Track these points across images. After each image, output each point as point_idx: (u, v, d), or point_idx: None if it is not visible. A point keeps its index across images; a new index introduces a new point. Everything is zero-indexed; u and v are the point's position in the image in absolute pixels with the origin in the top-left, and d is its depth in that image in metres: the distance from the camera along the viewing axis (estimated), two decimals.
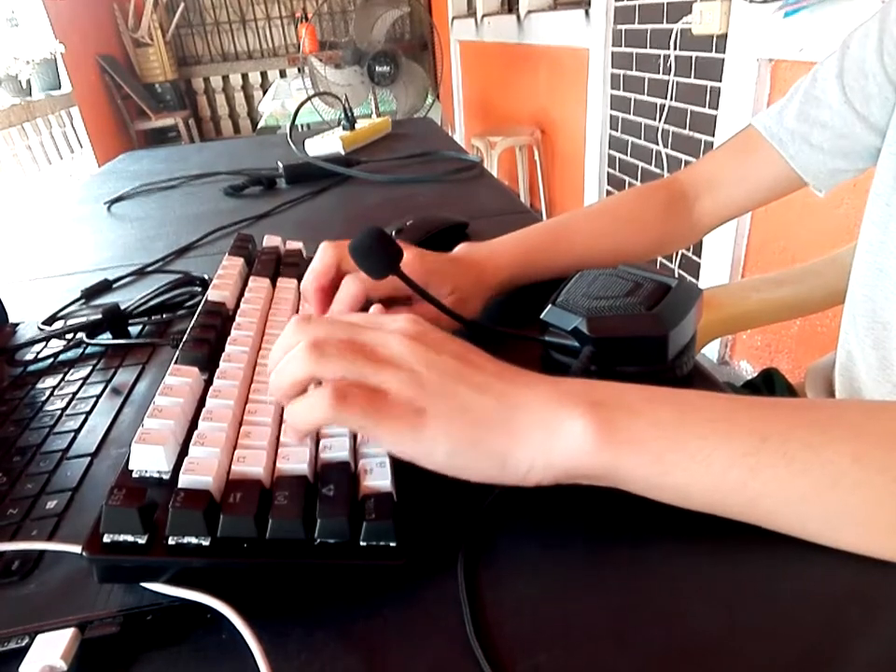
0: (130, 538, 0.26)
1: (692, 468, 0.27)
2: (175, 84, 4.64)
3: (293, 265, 0.52)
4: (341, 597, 0.27)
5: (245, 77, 4.87)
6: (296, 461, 0.29)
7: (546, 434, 0.27)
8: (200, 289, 0.55)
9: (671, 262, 2.05)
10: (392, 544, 0.27)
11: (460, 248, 0.50)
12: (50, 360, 0.47)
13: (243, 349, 0.37)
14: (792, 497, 0.26)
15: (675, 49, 1.83)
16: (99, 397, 0.42)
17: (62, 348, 0.48)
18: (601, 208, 0.62)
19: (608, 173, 2.42)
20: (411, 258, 0.41)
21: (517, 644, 0.25)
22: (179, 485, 0.27)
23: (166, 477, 0.28)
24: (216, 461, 0.28)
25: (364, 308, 0.39)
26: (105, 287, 0.61)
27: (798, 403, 0.31)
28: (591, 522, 0.30)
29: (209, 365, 0.36)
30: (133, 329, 0.52)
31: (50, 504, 0.33)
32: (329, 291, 0.42)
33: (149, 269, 0.67)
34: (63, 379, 0.45)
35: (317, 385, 0.29)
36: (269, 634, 0.25)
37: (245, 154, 1.26)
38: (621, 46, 2.15)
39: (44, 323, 0.52)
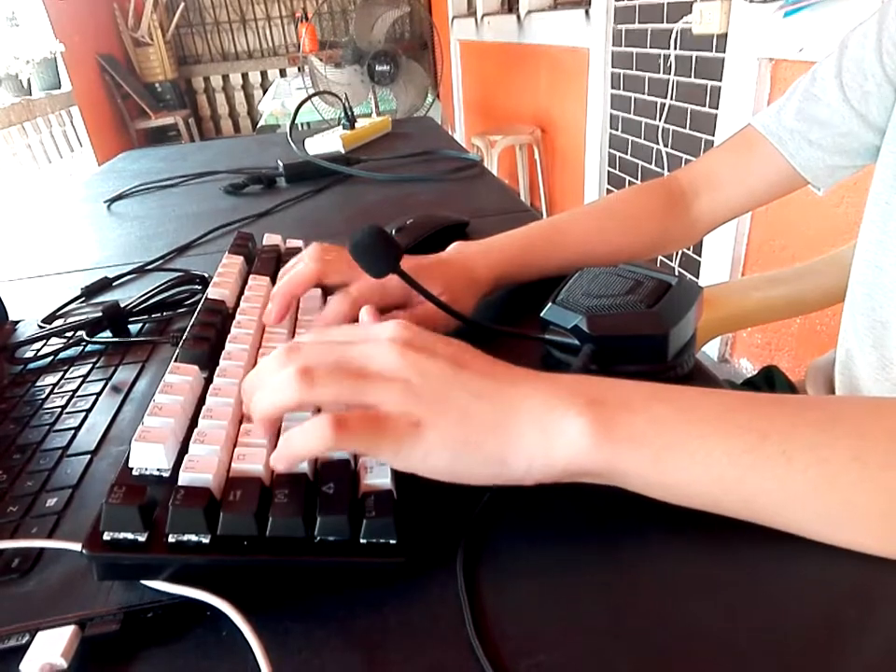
0: (130, 535, 0.26)
1: (691, 466, 0.27)
2: (175, 83, 4.63)
3: None
4: (341, 595, 0.27)
5: (245, 76, 4.87)
6: None
7: (544, 433, 0.27)
8: (200, 287, 0.55)
9: (671, 261, 2.05)
10: (392, 542, 0.27)
11: (451, 248, 0.50)
12: (50, 358, 0.47)
13: (243, 347, 0.37)
14: (792, 495, 0.26)
15: (675, 48, 1.83)
16: (99, 395, 0.42)
17: (62, 346, 0.48)
18: (598, 207, 0.61)
19: (608, 172, 2.42)
20: None
21: (517, 642, 0.25)
22: (179, 483, 0.27)
23: (166, 475, 0.28)
24: (216, 459, 0.28)
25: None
26: (105, 284, 0.61)
27: (799, 400, 0.31)
28: (591, 520, 0.30)
29: (209, 363, 0.36)
30: (133, 327, 0.51)
31: (50, 502, 0.33)
32: (297, 300, 0.43)
33: (149, 267, 0.67)
34: (62, 377, 0.45)
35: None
36: (269, 631, 0.25)
37: (245, 153, 1.25)
38: (621, 45, 2.15)
39: (44, 321, 0.52)
